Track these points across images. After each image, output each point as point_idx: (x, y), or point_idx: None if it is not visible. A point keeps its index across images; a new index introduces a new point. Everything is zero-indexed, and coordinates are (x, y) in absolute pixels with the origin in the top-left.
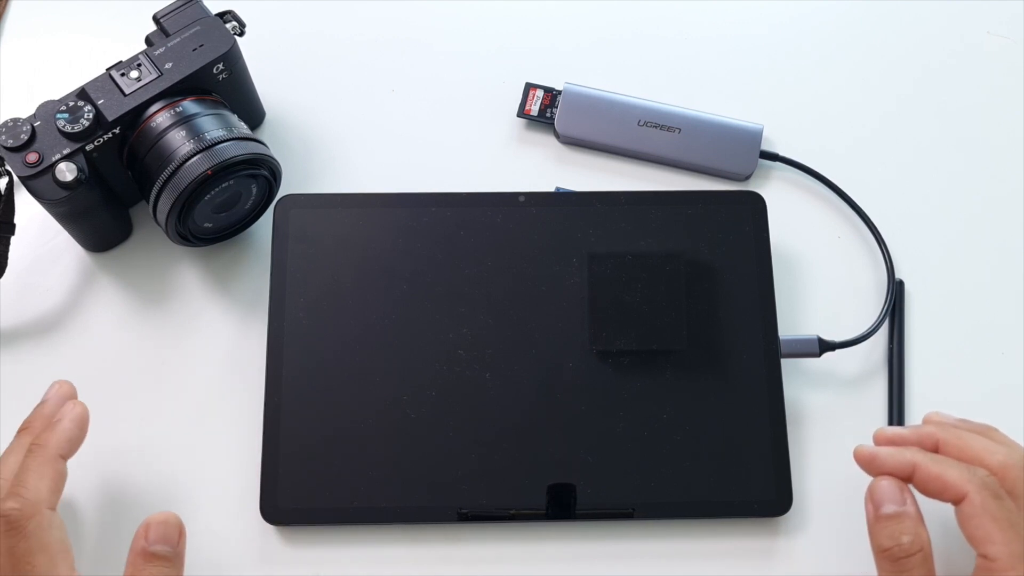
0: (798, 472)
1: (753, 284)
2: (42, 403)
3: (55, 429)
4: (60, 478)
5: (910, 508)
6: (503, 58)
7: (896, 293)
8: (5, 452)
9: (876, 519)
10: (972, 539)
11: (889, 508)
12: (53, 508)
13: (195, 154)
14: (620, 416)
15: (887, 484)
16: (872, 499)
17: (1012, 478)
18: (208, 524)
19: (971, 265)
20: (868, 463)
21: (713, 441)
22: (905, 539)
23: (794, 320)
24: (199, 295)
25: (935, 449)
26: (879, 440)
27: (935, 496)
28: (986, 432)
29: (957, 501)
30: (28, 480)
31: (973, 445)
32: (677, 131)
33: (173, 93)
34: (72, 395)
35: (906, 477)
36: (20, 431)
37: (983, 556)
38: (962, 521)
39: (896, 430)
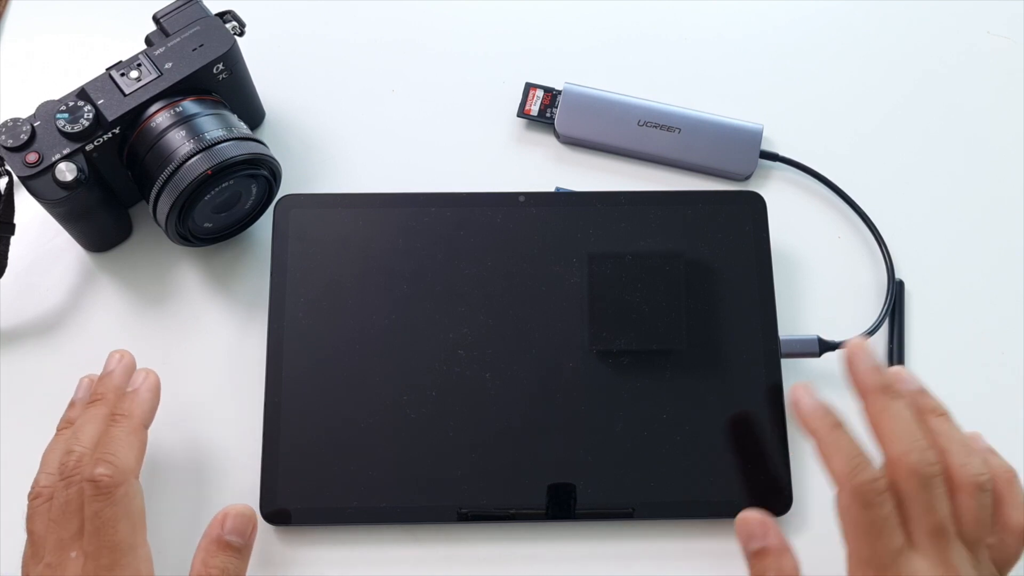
0: (798, 472)
1: (753, 284)
2: (108, 374)
3: (136, 399)
4: (143, 448)
5: (771, 541)
6: (503, 58)
7: (896, 293)
8: (82, 420)
9: (745, 555)
10: (840, 530)
11: (752, 545)
12: (137, 477)
13: (195, 154)
14: (620, 416)
15: (750, 520)
16: (739, 535)
17: (900, 477)
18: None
19: (971, 265)
20: (793, 405)
21: (713, 441)
22: (770, 574)
23: (794, 320)
24: (199, 295)
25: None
26: (807, 392)
27: (826, 472)
28: (924, 416)
29: (836, 489)
30: (118, 449)
31: (885, 426)
32: (677, 131)
33: (173, 93)
34: (134, 364)
35: (810, 437)
36: (93, 401)
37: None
38: (835, 510)
39: (854, 352)
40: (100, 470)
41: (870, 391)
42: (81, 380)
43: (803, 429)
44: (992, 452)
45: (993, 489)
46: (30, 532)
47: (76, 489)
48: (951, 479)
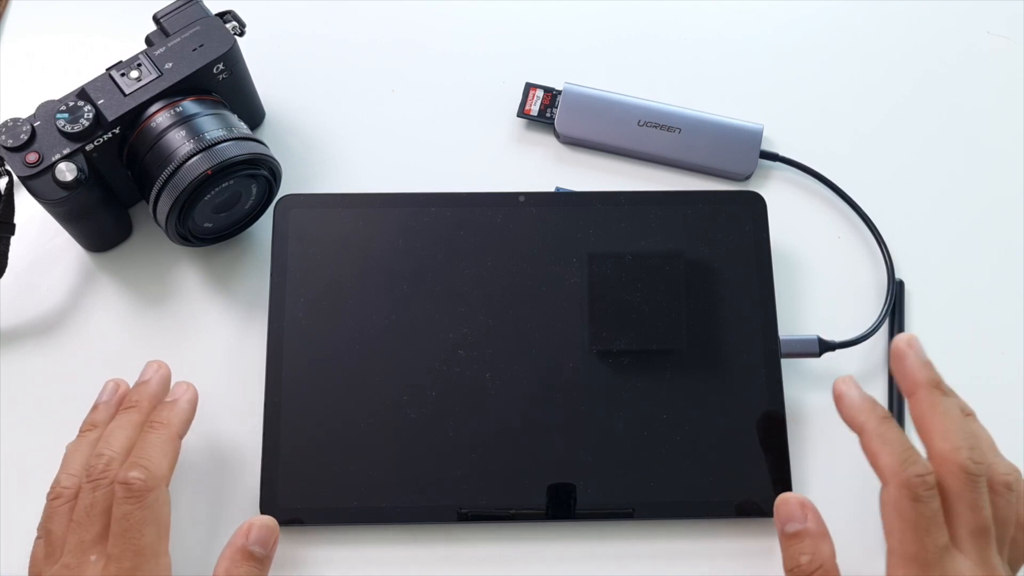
0: (798, 472)
1: (753, 284)
2: (145, 382)
3: (175, 409)
4: (176, 457)
5: (810, 525)
6: (503, 58)
7: (896, 293)
8: (112, 426)
9: (781, 537)
10: (883, 525)
11: (791, 527)
12: (168, 485)
13: (195, 154)
14: (620, 416)
15: (790, 501)
16: (777, 517)
17: (947, 473)
18: (208, 524)
19: (971, 265)
20: (836, 399)
21: (713, 441)
22: (804, 559)
23: (794, 320)
24: (199, 295)
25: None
26: (853, 386)
27: (871, 466)
28: (957, 416)
29: (882, 482)
30: (153, 454)
31: (935, 423)
32: (677, 131)
33: (173, 93)
34: (170, 377)
35: (856, 431)
36: (126, 408)
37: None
38: (880, 504)
39: (900, 347)
40: (134, 473)
41: (921, 386)
42: (106, 383)
43: (848, 423)
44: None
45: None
46: (47, 532)
47: (103, 492)
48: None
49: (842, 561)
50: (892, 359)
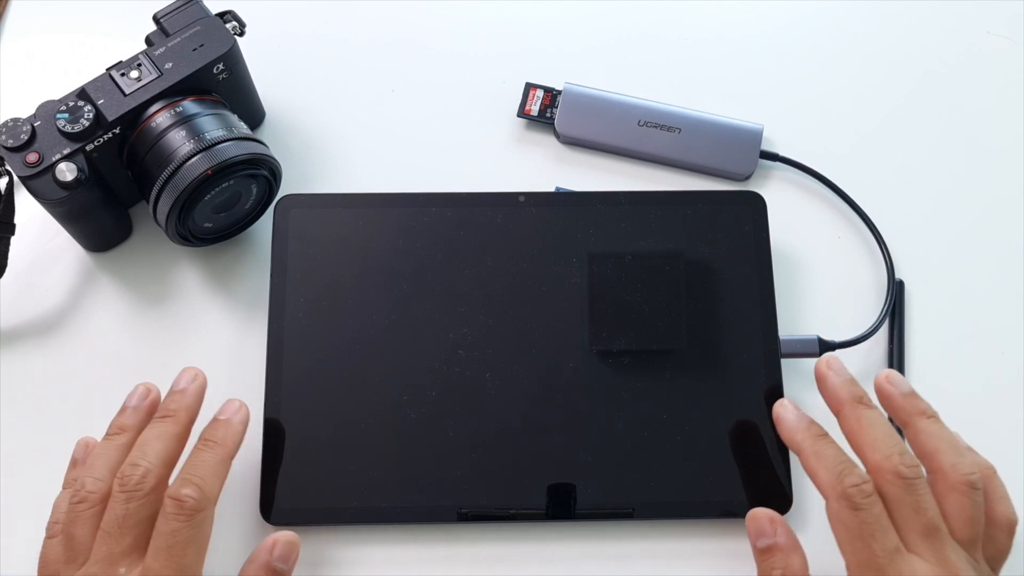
0: (798, 472)
1: (753, 284)
2: (181, 391)
3: (230, 430)
4: (225, 478)
5: (780, 540)
6: (503, 58)
7: (896, 293)
8: (147, 436)
9: (754, 552)
10: (835, 539)
11: (762, 542)
12: (215, 506)
13: (195, 154)
14: (620, 416)
15: (759, 517)
16: (749, 533)
17: (882, 481)
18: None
19: (971, 265)
20: (775, 422)
21: (713, 441)
22: (775, 572)
23: (794, 320)
24: (199, 295)
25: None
26: (790, 408)
27: (814, 485)
28: (913, 418)
29: (824, 498)
30: (207, 474)
31: (865, 435)
32: (677, 131)
33: (173, 93)
34: (205, 388)
35: (795, 452)
36: (163, 417)
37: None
38: (828, 519)
39: (823, 372)
40: (187, 491)
41: (844, 403)
42: (136, 387)
43: (787, 444)
44: (972, 450)
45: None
46: (69, 536)
47: (138, 504)
48: (944, 480)
49: (842, 562)
50: (817, 383)
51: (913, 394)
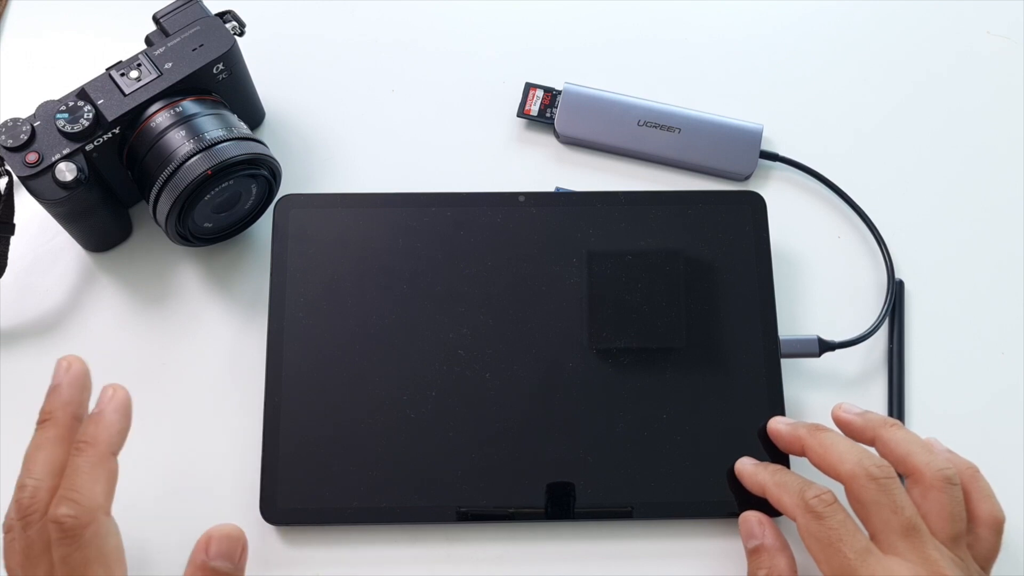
0: (798, 472)
1: (753, 284)
2: (56, 388)
3: (101, 423)
4: (113, 478)
5: (767, 541)
6: (503, 58)
7: (896, 293)
8: (30, 447)
9: (745, 553)
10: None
11: (750, 543)
12: (108, 513)
13: (195, 154)
14: (619, 415)
15: (749, 519)
16: (741, 535)
17: (857, 488)
18: (208, 524)
19: (971, 265)
20: (739, 477)
21: (713, 441)
22: (762, 572)
23: (794, 320)
24: (199, 295)
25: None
26: (746, 462)
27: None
28: (878, 431)
29: (795, 520)
30: (81, 483)
31: (830, 454)
32: (677, 131)
33: (173, 93)
34: (86, 375)
35: (762, 496)
36: (42, 423)
37: None
38: (801, 540)
39: (777, 428)
40: (63, 510)
41: (803, 438)
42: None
43: (754, 492)
44: (952, 452)
45: (960, 486)
46: (8, 568)
47: (37, 529)
48: (920, 479)
49: None
50: (773, 440)
51: (867, 412)
